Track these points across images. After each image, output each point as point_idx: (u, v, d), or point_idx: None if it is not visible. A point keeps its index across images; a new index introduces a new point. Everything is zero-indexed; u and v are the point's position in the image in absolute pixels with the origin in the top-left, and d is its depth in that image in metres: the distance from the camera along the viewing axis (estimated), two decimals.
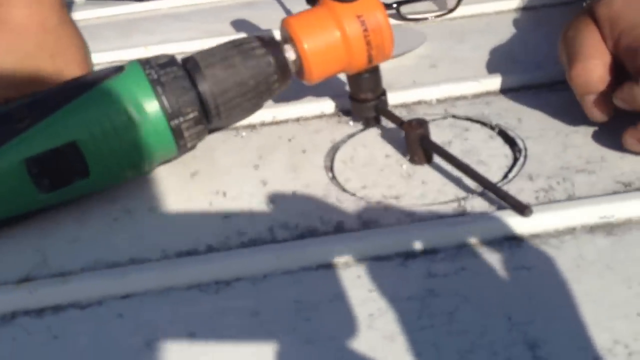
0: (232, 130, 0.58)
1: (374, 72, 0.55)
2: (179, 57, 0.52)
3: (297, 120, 0.59)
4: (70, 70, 0.58)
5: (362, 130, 0.57)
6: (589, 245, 0.43)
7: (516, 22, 0.72)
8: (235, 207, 0.49)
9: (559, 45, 0.53)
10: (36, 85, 0.53)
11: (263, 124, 0.59)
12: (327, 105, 0.60)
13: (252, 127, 0.59)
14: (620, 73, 0.49)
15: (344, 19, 0.51)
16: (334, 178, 0.51)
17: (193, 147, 0.54)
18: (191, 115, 0.50)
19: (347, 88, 0.57)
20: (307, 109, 0.60)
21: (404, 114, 0.57)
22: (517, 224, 0.44)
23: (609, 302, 0.39)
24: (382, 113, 0.55)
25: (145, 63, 0.50)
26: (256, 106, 0.53)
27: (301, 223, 0.47)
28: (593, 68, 0.49)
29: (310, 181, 0.51)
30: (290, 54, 0.52)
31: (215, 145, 0.57)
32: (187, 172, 0.54)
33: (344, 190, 0.50)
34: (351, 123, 0.57)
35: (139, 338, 0.40)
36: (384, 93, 0.56)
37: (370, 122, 0.57)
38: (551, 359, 0.36)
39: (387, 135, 0.56)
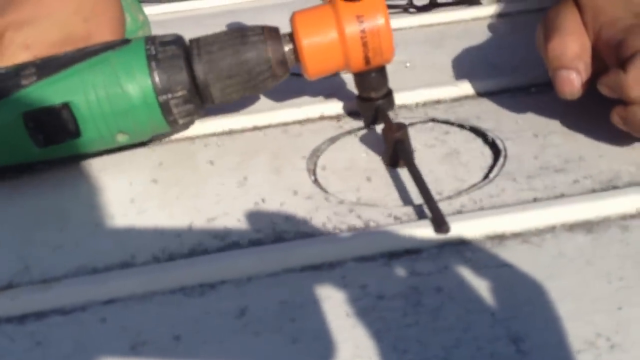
0: (214, 136, 0.59)
1: (377, 72, 0.55)
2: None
3: (279, 125, 0.59)
4: (101, 35, 0.60)
5: (345, 134, 0.57)
6: (569, 243, 0.43)
7: (492, 28, 0.73)
8: (218, 211, 0.49)
9: (539, 26, 0.54)
10: (66, 47, 0.56)
11: (245, 130, 0.59)
12: (308, 110, 0.60)
13: (233, 132, 0.59)
14: (594, 61, 0.51)
15: (344, 19, 0.52)
16: (316, 181, 0.51)
17: (186, 124, 0.56)
18: (180, 93, 0.52)
19: (331, 92, 0.58)
20: (288, 114, 0.60)
21: None
22: (498, 223, 0.45)
23: (590, 297, 0.39)
24: (380, 114, 0.56)
25: (149, 39, 0.53)
26: (249, 93, 0.54)
27: (284, 226, 0.47)
28: (570, 44, 0.50)
29: (293, 184, 0.51)
30: (289, 48, 0.53)
31: (197, 151, 0.57)
32: (169, 176, 0.54)
33: (327, 192, 0.50)
34: (340, 124, 0.58)
35: (124, 342, 0.40)
36: (388, 94, 0.57)
37: (372, 121, 0.57)
38: (535, 352, 0.36)
39: (370, 138, 0.56)
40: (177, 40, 0.53)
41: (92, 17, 0.60)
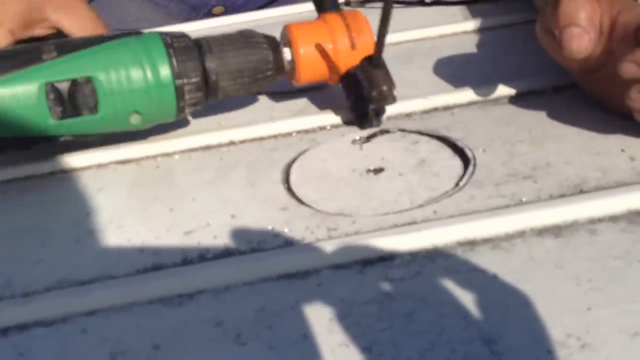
0: (191, 151, 0.59)
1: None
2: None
3: (254, 140, 0.60)
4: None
5: (318, 147, 0.58)
6: (538, 247, 0.44)
7: (459, 44, 0.74)
8: (195, 224, 0.50)
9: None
10: (33, 17, 0.65)
11: (221, 145, 0.60)
12: (282, 125, 0.61)
13: (210, 147, 0.60)
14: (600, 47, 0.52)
15: (336, 33, 0.58)
16: (291, 192, 0.52)
17: (189, 114, 0.59)
18: (194, 80, 0.56)
19: (303, 108, 0.60)
20: (263, 129, 0.61)
21: (357, 130, 0.59)
22: (468, 229, 0.46)
23: (559, 298, 0.40)
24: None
25: (162, 33, 0.57)
26: (249, 90, 0.59)
27: (260, 236, 0.48)
28: (583, 6, 0.51)
29: (268, 196, 0.52)
30: (287, 55, 0.59)
31: (174, 166, 0.58)
32: (147, 192, 0.55)
33: (302, 203, 0.51)
34: (314, 137, 0.59)
35: (104, 352, 0.40)
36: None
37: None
38: (507, 353, 0.37)
39: (343, 150, 0.57)
40: (186, 35, 0.58)
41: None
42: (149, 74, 0.55)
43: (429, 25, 0.78)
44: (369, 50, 0.57)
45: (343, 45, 0.58)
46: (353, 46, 0.58)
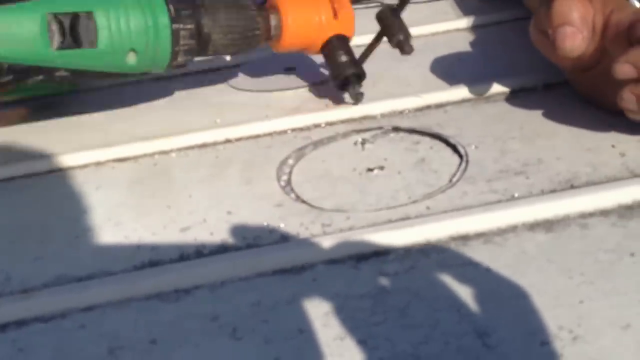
0: (188, 149, 0.60)
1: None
2: None
3: (249, 138, 0.61)
4: None
5: (313, 144, 0.58)
6: (530, 242, 0.44)
7: (451, 42, 0.74)
8: (192, 220, 0.50)
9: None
10: None
11: (217, 143, 0.60)
12: (277, 123, 0.62)
13: (206, 145, 0.60)
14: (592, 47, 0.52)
15: (321, 4, 0.63)
16: (286, 189, 0.53)
17: (182, 65, 0.62)
18: (189, 26, 0.59)
19: (298, 105, 0.60)
20: (258, 127, 0.61)
21: (351, 128, 0.60)
22: (461, 224, 0.46)
23: (552, 292, 0.40)
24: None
25: None
26: (237, 48, 0.63)
27: (256, 232, 0.48)
28: (576, 6, 0.52)
29: (264, 193, 0.53)
30: (273, 20, 0.63)
31: (171, 163, 0.58)
32: (144, 189, 0.55)
33: (298, 199, 0.51)
34: (308, 135, 0.60)
35: (102, 347, 0.41)
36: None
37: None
38: (500, 345, 0.37)
39: (337, 146, 0.58)
40: None
41: None
42: (148, 15, 0.57)
43: (422, 22, 0.79)
44: (350, 21, 0.63)
45: (327, 15, 0.62)
46: (335, 17, 0.63)
